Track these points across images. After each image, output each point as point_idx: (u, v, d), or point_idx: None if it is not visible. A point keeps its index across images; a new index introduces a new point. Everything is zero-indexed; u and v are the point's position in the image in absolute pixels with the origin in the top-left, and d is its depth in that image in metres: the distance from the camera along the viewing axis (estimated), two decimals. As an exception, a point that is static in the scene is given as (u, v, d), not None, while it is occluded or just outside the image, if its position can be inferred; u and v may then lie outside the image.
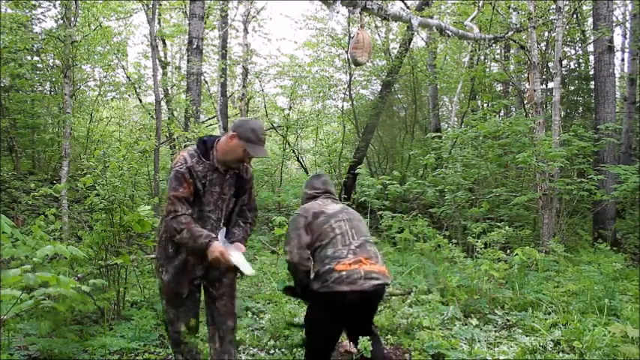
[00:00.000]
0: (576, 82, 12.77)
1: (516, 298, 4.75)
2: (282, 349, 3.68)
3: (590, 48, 10.81)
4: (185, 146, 8.49)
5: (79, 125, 11.89)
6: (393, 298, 4.62)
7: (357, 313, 2.63)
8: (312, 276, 2.68)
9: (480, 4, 9.00)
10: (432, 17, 9.03)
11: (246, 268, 2.59)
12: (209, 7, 11.54)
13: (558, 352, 3.61)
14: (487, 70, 12.30)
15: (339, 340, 3.78)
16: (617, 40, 13.96)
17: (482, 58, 11.34)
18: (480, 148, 8.30)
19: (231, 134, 2.61)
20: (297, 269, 2.70)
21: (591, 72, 10.75)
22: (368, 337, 2.71)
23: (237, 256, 2.59)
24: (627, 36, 12.19)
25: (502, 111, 13.35)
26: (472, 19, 8.45)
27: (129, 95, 13.15)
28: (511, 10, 9.65)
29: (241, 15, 13.62)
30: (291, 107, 14.55)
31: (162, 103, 9.94)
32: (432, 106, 14.00)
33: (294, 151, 14.06)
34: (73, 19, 8.37)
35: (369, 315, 2.82)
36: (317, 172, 3.32)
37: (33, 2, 10.11)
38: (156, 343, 3.76)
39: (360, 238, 2.76)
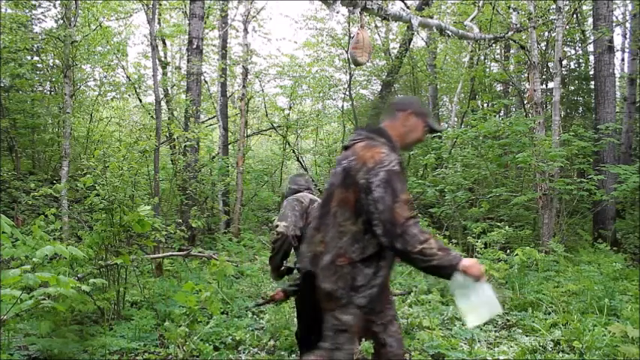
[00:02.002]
0: (576, 82, 12.77)
1: (516, 298, 4.75)
2: (282, 349, 3.68)
3: (590, 48, 10.81)
4: (185, 146, 8.53)
5: (79, 125, 11.89)
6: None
7: None
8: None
9: (480, 4, 9.00)
10: (432, 17, 9.02)
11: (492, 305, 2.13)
12: (209, 7, 11.53)
13: (558, 352, 3.61)
14: (487, 70, 12.30)
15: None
16: (617, 40, 13.99)
17: (482, 58, 11.34)
18: (479, 148, 8.30)
19: (404, 114, 2.35)
20: (287, 242, 2.82)
21: (591, 72, 10.74)
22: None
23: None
24: (627, 36, 12.18)
25: (502, 111, 13.34)
26: (472, 19, 8.45)
27: (129, 95, 13.14)
28: (511, 10, 9.63)
29: (241, 15, 13.58)
30: (291, 107, 14.55)
31: (162, 103, 9.94)
32: (432, 106, 13.99)
33: (294, 151, 14.06)
34: (73, 19, 8.37)
35: None
36: (299, 172, 3.40)
37: (33, 2, 10.12)
38: (156, 343, 3.77)
39: None
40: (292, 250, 2.96)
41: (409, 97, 2.52)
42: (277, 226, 2.88)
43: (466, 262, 2.04)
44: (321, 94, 14.76)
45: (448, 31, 7.13)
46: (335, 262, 2.15)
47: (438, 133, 9.73)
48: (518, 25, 8.54)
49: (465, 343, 3.79)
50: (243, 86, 10.76)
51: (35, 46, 9.95)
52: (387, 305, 2.34)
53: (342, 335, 2.16)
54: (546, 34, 10.29)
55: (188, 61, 9.24)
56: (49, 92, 11.83)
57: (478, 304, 2.09)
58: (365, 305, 2.15)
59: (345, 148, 2.35)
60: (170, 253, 6.18)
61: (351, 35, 8.62)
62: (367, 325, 2.23)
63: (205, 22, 10.95)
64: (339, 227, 2.16)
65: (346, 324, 2.15)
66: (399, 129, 2.34)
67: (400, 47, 12.53)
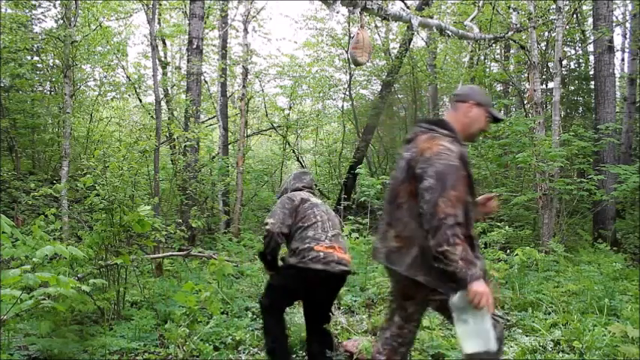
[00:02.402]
0: (576, 82, 12.77)
1: (516, 298, 4.75)
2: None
3: (590, 48, 10.81)
4: (185, 146, 8.53)
5: (79, 125, 11.89)
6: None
7: (321, 291, 2.96)
8: (290, 252, 2.95)
9: (480, 4, 8.99)
10: (432, 17, 9.02)
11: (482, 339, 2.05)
12: (209, 7, 11.53)
13: (558, 352, 3.60)
14: (487, 70, 12.30)
15: (340, 341, 3.79)
16: (617, 40, 13.98)
17: (482, 58, 11.34)
18: (479, 148, 8.30)
19: (466, 105, 2.33)
20: (273, 239, 2.94)
21: (591, 72, 10.74)
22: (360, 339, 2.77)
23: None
24: (627, 36, 12.19)
25: (502, 111, 13.34)
26: (472, 19, 8.44)
27: (129, 95, 13.15)
28: (511, 10, 9.63)
29: (241, 15, 13.58)
30: (291, 107, 14.56)
31: (162, 103, 9.94)
32: (432, 106, 13.99)
33: (294, 151, 14.07)
34: (73, 19, 8.37)
35: (331, 296, 3.09)
36: (304, 169, 3.48)
37: (33, 2, 10.12)
38: (156, 343, 3.76)
39: (335, 229, 3.05)
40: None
41: (470, 87, 2.46)
42: (266, 223, 3.00)
43: (477, 286, 1.99)
44: (321, 94, 14.77)
45: (448, 31, 7.13)
46: (424, 254, 2.13)
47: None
48: (518, 25, 8.54)
49: (465, 343, 3.78)
50: (243, 86, 10.76)
51: (35, 46, 9.95)
52: None
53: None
54: (546, 34, 10.29)
55: (188, 61, 9.24)
56: (49, 92, 11.83)
57: (475, 332, 2.04)
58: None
59: (407, 141, 2.35)
60: (170, 253, 6.18)
61: (351, 35, 8.62)
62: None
63: (205, 22, 10.95)
64: (417, 219, 2.14)
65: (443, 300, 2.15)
66: (461, 120, 2.32)
67: (400, 47, 12.53)
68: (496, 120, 2.41)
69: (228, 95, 13.27)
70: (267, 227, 2.97)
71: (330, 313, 3.14)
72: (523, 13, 8.86)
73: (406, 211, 2.21)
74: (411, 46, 12.73)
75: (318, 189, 13.56)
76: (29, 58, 10.40)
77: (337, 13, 5.92)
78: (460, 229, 2.02)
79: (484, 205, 2.53)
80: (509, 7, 9.72)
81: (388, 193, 2.36)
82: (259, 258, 3.15)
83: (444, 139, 2.19)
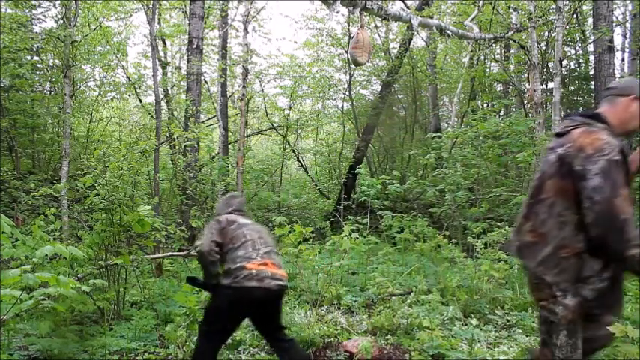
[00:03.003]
0: (576, 82, 12.77)
1: (516, 298, 4.75)
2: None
3: (590, 48, 10.81)
4: (185, 146, 8.53)
5: (79, 125, 11.89)
6: (393, 298, 4.62)
7: (260, 308, 2.95)
8: (223, 273, 2.94)
9: (480, 4, 8.99)
10: (432, 17, 9.02)
11: None
12: (209, 7, 11.53)
13: (558, 352, 3.60)
14: (487, 70, 12.30)
15: (340, 341, 3.78)
16: (617, 40, 13.97)
17: (482, 58, 11.34)
18: (479, 148, 8.30)
19: (627, 99, 2.18)
20: (205, 257, 2.94)
21: (591, 72, 10.75)
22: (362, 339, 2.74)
23: None
24: (627, 36, 12.19)
25: (502, 111, 13.34)
26: (472, 19, 8.44)
27: (129, 95, 13.15)
28: (511, 10, 9.63)
29: (241, 15, 13.58)
30: (291, 107, 14.55)
31: (162, 103, 9.94)
32: (432, 106, 13.99)
33: (294, 151, 14.06)
34: (73, 19, 8.37)
35: (273, 312, 3.06)
36: (233, 193, 3.54)
37: (33, 2, 10.12)
38: (156, 343, 3.76)
39: (267, 247, 3.05)
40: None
41: (631, 80, 2.30)
42: (196, 246, 3.12)
43: None
44: (321, 94, 14.76)
45: (448, 31, 7.13)
46: (557, 253, 2.05)
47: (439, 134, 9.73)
48: (518, 25, 8.54)
49: (465, 343, 3.78)
50: (243, 86, 10.76)
51: (35, 46, 9.95)
52: (618, 306, 2.21)
53: (554, 326, 2.08)
54: (546, 34, 10.29)
55: (188, 61, 9.24)
56: (49, 92, 11.83)
57: None
58: (592, 298, 2.03)
59: (558, 135, 2.22)
60: (170, 253, 6.18)
61: (351, 35, 8.63)
62: (588, 318, 2.10)
63: (205, 22, 10.96)
64: (558, 217, 2.06)
65: (559, 315, 2.06)
66: (620, 115, 2.17)
67: (400, 47, 12.52)
68: None
69: (228, 95, 13.27)
70: (198, 249, 3.04)
71: (281, 325, 3.10)
72: (523, 13, 8.86)
73: (547, 207, 2.12)
74: (411, 46, 12.73)
75: (318, 189, 13.56)
76: (29, 58, 10.40)
77: (337, 13, 5.92)
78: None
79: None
80: (509, 7, 9.73)
81: (532, 187, 2.28)
82: (194, 284, 3.10)
83: (601, 132, 2.05)
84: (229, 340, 3.76)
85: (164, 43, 13.15)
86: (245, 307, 2.91)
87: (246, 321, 4.18)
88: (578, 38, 12.54)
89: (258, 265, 2.88)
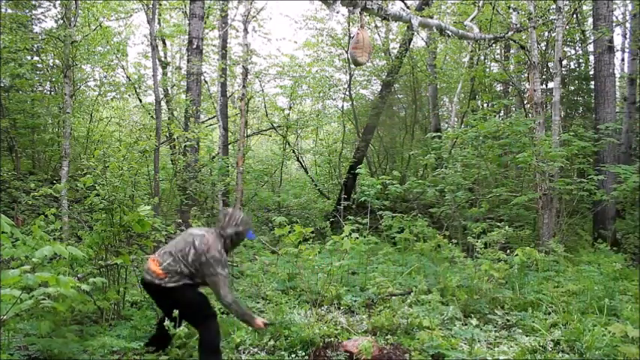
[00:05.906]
0: (576, 82, 12.76)
1: (516, 298, 4.75)
2: (282, 349, 3.68)
3: (590, 48, 10.81)
4: (185, 146, 8.52)
5: (79, 125, 11.90)
6: (393, 298, 4.62)
7: (153, 297, 3.42)
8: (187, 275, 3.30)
9: (480, 4, 9.00)
10: (432, 17, 9.02)
11: None
12: (209, 7, 11.53)
13: (558, 352, 3.60)
14: (487, 70, 12.30)
15: (340, 341, 3.78)
16: (617, 40, 13.98)
17: (482, 58, 11.34)
18: (479, 148, 8.30)
19: None
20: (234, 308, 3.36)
21: (591, 72, 10.74)
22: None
23: None
24: (627, 36, 12.18)
25: (502, 111, 13.34)
26: (472, 19, 8.44)
27: (129, 95, 13.15)
28: (511, 10, 9.63)
29: (241, 15, 13.57)
30: (291, 107, 14.56)
31: (162, 103, 9.94)
32: (432, 106, 13.99)
33: (294, 151, 14.06)
34: (73, 19, 8.37)
35: (160, 302, 3.41)
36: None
37: (33, 2, 10.12)
38: (156, 343, 3.75)
39: (170, 248, 3.31)
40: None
41: None
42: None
43: None
44: (321, 94, 14.77)
45: (448, 31, 7.13)
46: None
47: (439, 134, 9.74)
48: (518, 25, 8.54)
49: (465, 343, 3.78)
50: (243, 86, 10.75)
51: (35, 46, 9.95)
52: None
53: None
54: (546, 34, 10.28)
55: (188, 61, 9.24)
56: (49, 92, 11.83)
57: None
58: None
59: None
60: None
61: (351, 35, 8.62)
62: None
63: (205, 22, 10.95)
64: None
65: None
66: None
67: (400, 47, 12.52)
68: None
69: (228, 95, 13.27)
70: (226, 303, 3.39)
71: (178, 319, 3.30)
72: (523, 13, 8.86)
73: None
74: (411, 46, 12.73)
75: (318, 189, 13.56)
76: (29, 58, 10.40)
77: (337, 13, 5.92)
78: None
79: None
80: (509, 7, 9.73)
81: None
82: None
83: None
84: (229, 340, 3.77)
85: (164, 43, 13.15)
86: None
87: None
88: (578, 38, 12.54)
89: (149, 261, 3.30)
